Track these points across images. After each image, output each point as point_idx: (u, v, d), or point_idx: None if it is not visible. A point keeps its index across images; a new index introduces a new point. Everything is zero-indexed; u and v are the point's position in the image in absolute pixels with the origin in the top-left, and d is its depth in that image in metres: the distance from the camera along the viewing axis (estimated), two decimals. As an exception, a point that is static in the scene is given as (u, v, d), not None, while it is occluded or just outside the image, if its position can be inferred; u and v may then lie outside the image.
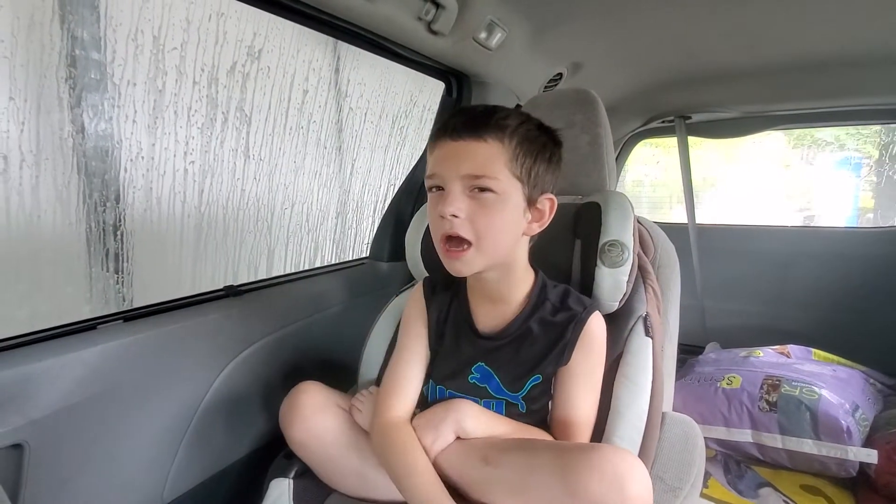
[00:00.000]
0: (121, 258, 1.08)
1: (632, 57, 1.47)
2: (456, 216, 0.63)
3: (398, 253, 1.26)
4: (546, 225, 0.70)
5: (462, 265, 0.66)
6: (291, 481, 0.78)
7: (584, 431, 0.71)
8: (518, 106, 1.48)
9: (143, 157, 1.09)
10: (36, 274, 0.97)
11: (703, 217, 2.16)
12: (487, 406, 0.73)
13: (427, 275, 0.90)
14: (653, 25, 1.25)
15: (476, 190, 0.63)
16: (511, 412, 0.73)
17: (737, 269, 2.09)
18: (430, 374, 0.78)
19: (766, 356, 1.65)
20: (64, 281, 1.01)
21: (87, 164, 1.01)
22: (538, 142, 0.67)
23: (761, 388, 1.44)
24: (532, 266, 0.76)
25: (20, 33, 0.88)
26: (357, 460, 0.77)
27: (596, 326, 0.72)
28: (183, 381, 0.85)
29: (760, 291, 2.06)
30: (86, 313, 0.93)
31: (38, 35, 0.90)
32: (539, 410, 0.74)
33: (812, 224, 2.07)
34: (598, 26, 1.25)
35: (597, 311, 0.74)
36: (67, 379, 0.69)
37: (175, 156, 1.16)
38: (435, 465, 0.69)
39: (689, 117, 1.98)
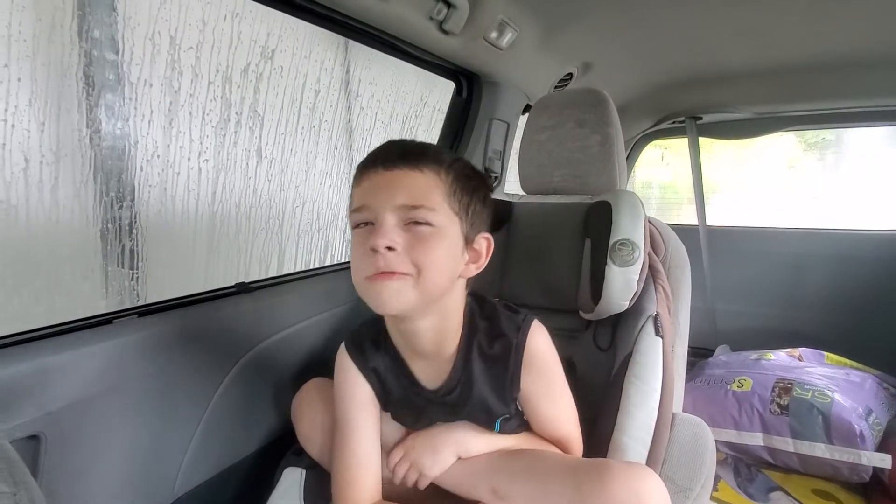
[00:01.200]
0: (136, 255, 1.10)
1: (643, 56, 1.47)
2: (392, 248, 0.54)
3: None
4: (483, 267, 0.63)
5: (393, 296, 0.55)
6: (304, 472, 0.78)
7: (571, 442, 0.70)
8: (528, 107, 1.48)
9: (158, 156, 1.11)
10: (53, 270, 0.99)
11: (714, 219, 2.14)
12: None
13: None
14: (664, 25, 1.25)
15: (412, 223, 0.56)
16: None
17: (748, 271, 2.07)
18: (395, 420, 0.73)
19: (778, 359, 1.63)
20: (80, 277, 1.03)
21: (104, 163, 1.03)
22: (473, 180, 0.62)
23: (773, 390, 1.42)
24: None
25: (42, 34, 0.90)
26: None
27: (536, 342, 0.66)
28: (195, 375, 0.85)
29: (772, 294, 2.04)
30: (101, 308, 0.95)
31: (58, 36, 0.92)
32: (521, 425, 0.72)
33: (825, 226, 2.04)
34: (608, 26, 1.25)
35: (533, 324, 0.67)
36: (83, 372, 0.70)
37: (189, 155, 1.18)
38: (437, 485, 0.68)
39: (700, 118, 1.96)
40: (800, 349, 1.69)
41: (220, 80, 1.19)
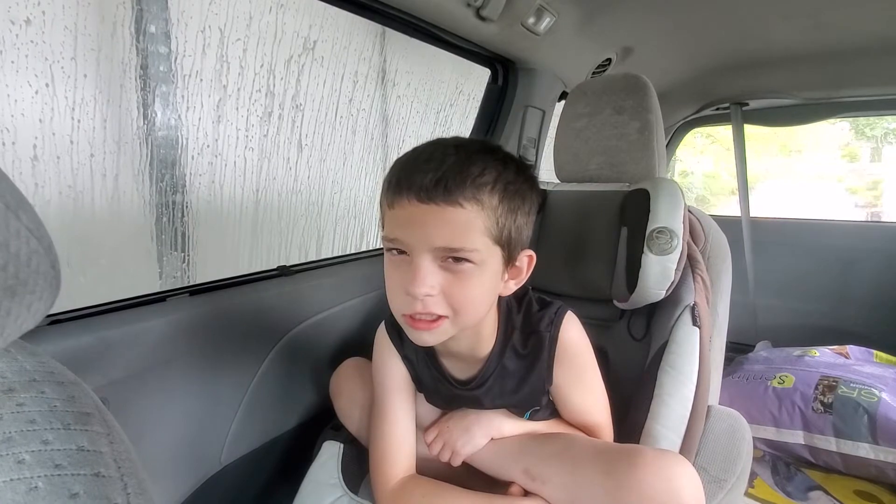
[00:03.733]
0: (187, 239, 1.16)
1: (686, 40, 1.42)
2: (429, 294, 0.53)
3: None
4: (524, 282, 0.61)
5: (431, 337, 0.56)
6: (342, 445, 0.81)
7: (602, 430, 0.70)
8: (564, 94, 1.46)
9: (207, 147, 1.17)
10: (115, 251, 1.06)
11: (758, 210, 2.06)
12: None
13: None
14: (709, 7, 1.20)
15: (450, 260, 0.53)
16: None
17: (793, 265, 1.99)
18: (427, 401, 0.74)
19: (823, 356, 1.57)
20: (138, 258, 1.10)
21: (159, 153, 1.09)
22: (519, 194, 0.56)
23: (816, 388, 1.37)
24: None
25: (105, 30, 0.96)
26: None
27: (568, 334, 0.65)
28: (240, 352, 0.90)
29: (819, 289, 1.95)
30: (156, 287, 1.01)
31: (119, 32, 0.98)
32: (552, 414, 0.73)
33: (878, 220, 1.94)
34: (650, 9, 1.21)
35: (566, 315, 0.66)
36: (141, 345, 0.74)
37: (236, 144, 1.23)
38: (467, 464, 0.69)
39: (746, 104, 1.88)
40: (847, 346, 1.62)
41: (264, 72, 1.23)
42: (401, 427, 0.70)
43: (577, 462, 0.61)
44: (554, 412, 0.73)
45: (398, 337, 0.71)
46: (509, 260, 0.57)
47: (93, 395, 0.32)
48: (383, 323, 0.74)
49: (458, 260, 0.53)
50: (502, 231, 0.54)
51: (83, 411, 0.30)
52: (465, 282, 0.53)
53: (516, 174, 0.56)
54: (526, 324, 0.66)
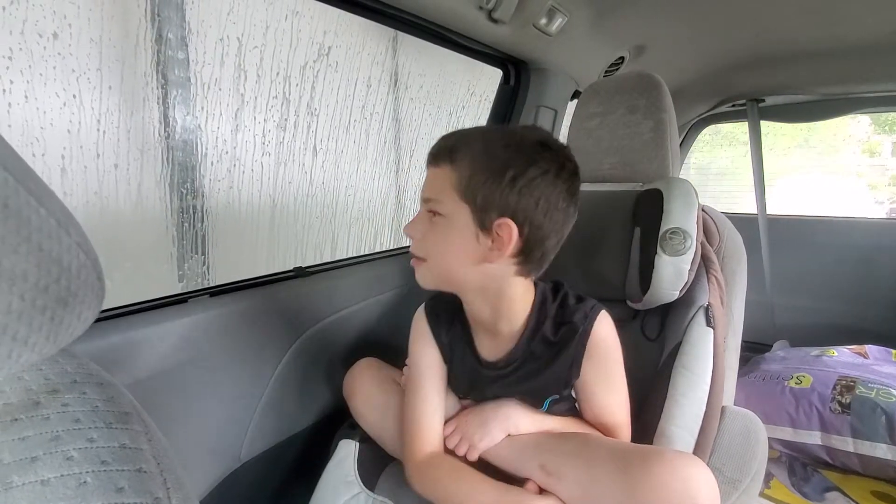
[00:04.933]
0: (207, 242, 1.19)
1: (699, 37, 1.40)
2: (412, 236, 0.66)
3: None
4: (509, 254, 0.61)
5: (419, 276, 0.67)
6: (357, 444, 0.83)
7: (621, 430, 0.71)
8: (577, 93, 1.45)
9: (226, 153, 1.20)
10: (138, 255, 1.09)
11: (775, 207, 2.03)
12: None
13: None
14: (723, 2, 1.19)
15: (432, 213, 0.63)
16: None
17: (811, 263, 1.95)
18: (449, 386, 0.77)
19: (841, 356, 1.54)
20: (160, 261, 1.13)
21: (179, 160, 1.12)
22: (497, 161, 0.59)
23: (834, 388, 1.35)
24: (535, 283, 0.70)
25: (129, 43, 0.99)
26: None
27: (601, 330, 0.68)
28: (258, 351, 0.91)
29: (838, 288, 1.91)
30: (178, 289, 1.04)
31: (142, 44, 1.01)
32: (570, 409, 0.75)
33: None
34: (663, 6, 1.20)
35: (601, 313, 0.69)
36: (164, 345, 0.76)
37: (254, 150, 1.26)
38: (484, 459, 0.70)
39: (763, 100, 1.85)
40: (866, 346, 1.59)
41: (280, 79, 1.26)
42: (432, 404, 0.74)
43: (594, 460, 0.62)
44: (572, 408, 0.74)
45: (435, 319, 0.75)
46: (482, 223, 0.60)
47: (128, 395, 0.34)
48: (422, 306, 0.78)
49: (435, 214, 0.63)
50: (470, 188, 0.60)
51: (123, 411, 0.32)
52: (437, 232, 0.63)
53: (504, 146, 0.61)
54: (559, 314, 0.69)
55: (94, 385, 0.33)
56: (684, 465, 0.56)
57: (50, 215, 0.23)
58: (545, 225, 0.61)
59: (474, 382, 0.74)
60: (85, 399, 0.31)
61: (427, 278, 0.67)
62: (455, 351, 0.74)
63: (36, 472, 0.25)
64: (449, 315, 0.75)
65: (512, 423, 0.70)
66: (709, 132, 2.31)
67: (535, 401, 0.72)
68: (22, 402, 0.29)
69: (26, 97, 0.87)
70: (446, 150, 0.63)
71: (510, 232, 0.60)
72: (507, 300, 0.67)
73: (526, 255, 0.62)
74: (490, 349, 0.72)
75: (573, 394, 0.73)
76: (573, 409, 0.74)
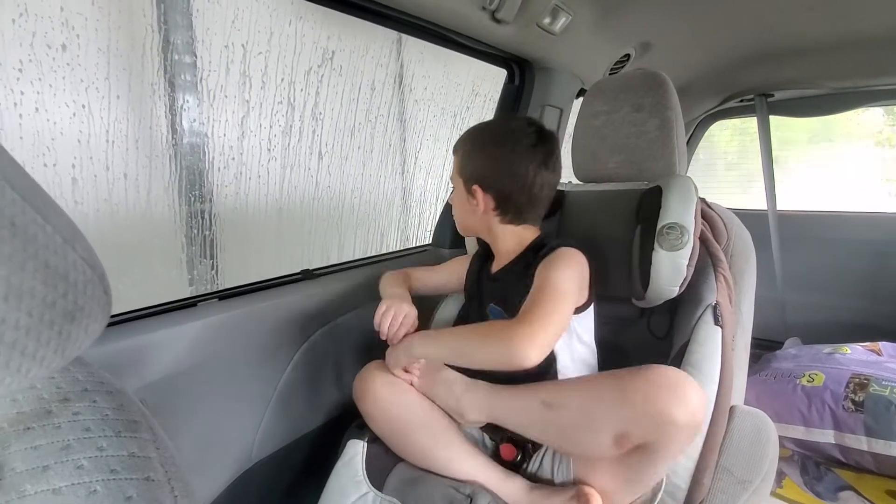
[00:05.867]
0: (215, 246, 1.21)
1: (706, 33, 1.39)
2: (451, 204, 0.95)
3: (459, 240, 1.31)
4: (484, 211, 0.86)
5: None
6: (366, 444, 0.84)
7: (525, 315, 0.71)
8: (582, 91, 1.45)
9: (233, 159, 1.22)
10: (148, 260, 1.11)
11: (785, 203, 2.00)
12: None
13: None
14: None
15: (454, 189, 0.92)
16: None
17: (824, 259, 1.92)
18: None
19: (854, 353, 1.52)
20: (170, 266, 1.15)
21: (187, 166, 1.14)
22: (481, 138, 0.87)
23: (847, 386, 1.34)
24: (539, 229, 0.91)
25: (136, 52, 1.00)
26: (423, 438, 0.82)
27: (560, 252, 0.80)
28: (267, 354, 0.93)
29: (850, 284, 1.88)
30: (187, 293, 1.06)
31: (148, 53, 1.02)
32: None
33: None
34: (667, 3, 1.19)
35: (563, 246, 0.82)
36: (174, 348, 0.77)
37: (260, 155, 1.28)
38: (491, 422, 0.78)
39: (772, 95, 1.83)
40: (880, 343, 1.57)
41: (285, 84, 1.27)
42: (440, 273, 1.03)
43: (592, 383, 0.70)
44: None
45: (477, 257, 0.99)
46: (467, 190, 0.87)
47: (137, 403, 0.35)
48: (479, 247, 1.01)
49: (454, 189, 0.91)
50: (462, 168, 0.88)
51: (132, 419, 0.32)
52: (454, 201, 0.93)
53: (481, 132, 0.89)
54: (540, 248, 0.84)
55: (104, 393, 0.33)
56: (675, 373, 0.63)
57: (56, 232, 0.23)
58: (507, 186, 0.84)
59: (478, 288, 0.96)
60: (95, 408, 0.32)
61: (459, 230, 0.97)
62: (478, 276, 0.96)
63: (48, 480, 0.26)
64: (483, 248, 0.98)
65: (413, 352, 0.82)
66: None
67: (506, 303, 0.87)
68: (34, 411, 0.30)
69: (37, 108, 0.89)
70: (457, 144, 0.91)
71: (476, 194, 0.85)
72: (500, 239, 0.89)
73: (502, 209, 0.86)
74: (495, 267, 0.92)
75: None
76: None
